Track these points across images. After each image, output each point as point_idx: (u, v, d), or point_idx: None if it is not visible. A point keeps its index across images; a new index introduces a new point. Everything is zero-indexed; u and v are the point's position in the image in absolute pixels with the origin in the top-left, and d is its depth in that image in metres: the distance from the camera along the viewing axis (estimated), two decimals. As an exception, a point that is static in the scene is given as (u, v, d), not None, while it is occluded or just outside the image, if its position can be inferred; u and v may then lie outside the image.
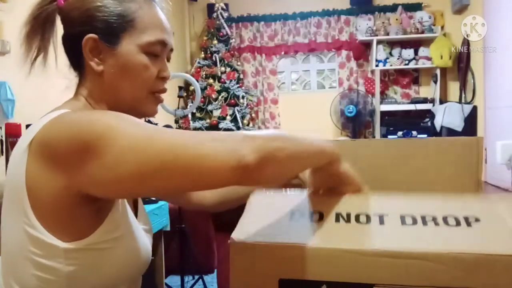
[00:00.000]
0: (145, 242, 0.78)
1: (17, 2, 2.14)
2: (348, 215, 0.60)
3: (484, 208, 0.60)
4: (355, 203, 0.64)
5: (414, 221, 0.57)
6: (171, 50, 0.78)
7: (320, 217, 0.61)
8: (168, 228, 2.39)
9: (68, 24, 0.73)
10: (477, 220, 0.56)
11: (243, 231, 0.60)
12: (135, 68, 0.71)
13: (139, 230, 0.77)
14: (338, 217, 0.60)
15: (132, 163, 0.54)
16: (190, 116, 4.39)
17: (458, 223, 0.56)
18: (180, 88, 2.67)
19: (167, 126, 2.19)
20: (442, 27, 4.55)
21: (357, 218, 0.60)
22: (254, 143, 0.52)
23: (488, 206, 0.61)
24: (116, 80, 0.72)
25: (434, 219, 0.57)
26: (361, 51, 4.74)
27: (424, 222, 0.57)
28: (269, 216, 0.63)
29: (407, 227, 0.57)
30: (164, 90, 0.77)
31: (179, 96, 2.67)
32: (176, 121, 2.70)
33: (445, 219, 0.57)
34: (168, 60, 0.79)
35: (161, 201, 2.39)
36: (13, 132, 1.88)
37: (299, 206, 0.65)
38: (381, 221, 0.58)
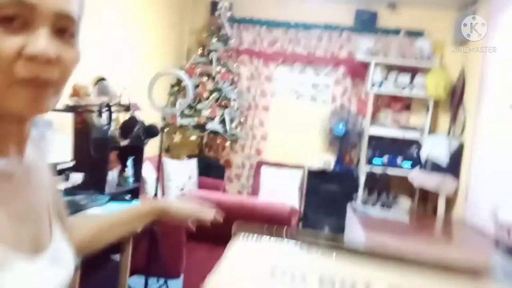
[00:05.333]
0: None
1: None
2: (333, 281, 0.56)
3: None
4: (342, 266, 0.60)
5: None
6: (66, 18, 0.53)
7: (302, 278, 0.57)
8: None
9: None
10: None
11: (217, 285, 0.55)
12: None
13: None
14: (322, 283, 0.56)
15: None
16: (178, 113, 4.29)
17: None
18: (172, 86, 2.57)
19: (150, 126, 2.10)
20: (441, 59, 4.57)
21: (342, 285, 0.56)
22: None
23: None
24: None
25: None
26: (358, 70, 4.71)
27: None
28: (248, 271, 0.58)
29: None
30: (36, 76, 0.50)
31: (170, 94, 2.57)
32: (164, 118, 2.61)
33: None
34: (65, 33, 0.53)
35: (133, 201, 2.30)
36: None
37: (282, 261, 0.61)
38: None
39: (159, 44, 4.14)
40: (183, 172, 4.06)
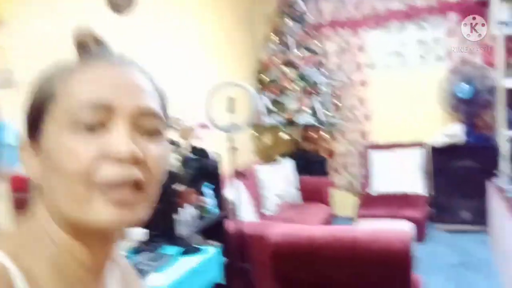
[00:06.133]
0: None
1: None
2: None
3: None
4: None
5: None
6: (147, 114, 0.49)
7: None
8: (222, 281, 1.96)
9: None
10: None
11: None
12: (57, 158, 0.47)
13: None
14: None
15: None
16: (264, 111, 3.87)
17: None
18: (230, 99, 2.09)
19: (206, 166, 1.70)
20: None
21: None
22: None
23: None
24: (46, 185, 0.49)
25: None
26: (476, 12, 3.67)
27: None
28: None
29: None
30: (121, 180, 0.46)
31: (228, 110, 2.10)
32: (231, 139, 2.20)
33: None
34: (149, 130, 0.49)
35: (208, 251, 1.94)
36: (20, 187, 1.57)
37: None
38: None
39: (228, 42, 3.73)
40: (279, 176, 3.64)
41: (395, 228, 1.73)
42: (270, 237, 1.87)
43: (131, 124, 0.47)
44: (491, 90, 3.62)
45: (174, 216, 2.06)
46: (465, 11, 3.71)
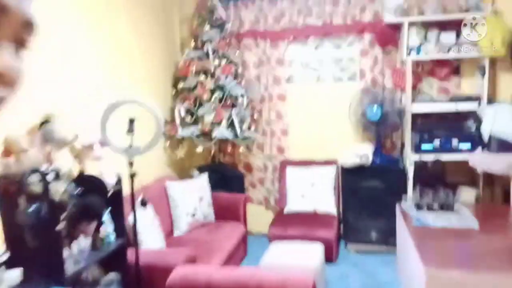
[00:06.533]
0: None
1: None
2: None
3: None
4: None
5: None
6: (29, 24, 0.44)
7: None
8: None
9: None
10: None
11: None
12: None
13: None
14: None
15: None
16: (178, 122, 3.61)
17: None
18: (131, 121, 1.86)
19: (89, 203, 1.44)
20: (493, 4, 3.59)
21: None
22: None
23: None
24: None
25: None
26: (389, 35, 3.82)
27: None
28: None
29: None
30: None
31: (130, 131, 1.85)
32: (131, 164, 1.94)
33: None
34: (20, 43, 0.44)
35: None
36: None
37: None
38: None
39: (143, 46, 3.41)
40: (192, 193, 3.41)
41: (301, 272, 1.60)
42: (166, 278, 1.65)
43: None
44: (399, 113, 3.77)
45: (61, 252, 1.74)
46: (379, 33, 3.84)
